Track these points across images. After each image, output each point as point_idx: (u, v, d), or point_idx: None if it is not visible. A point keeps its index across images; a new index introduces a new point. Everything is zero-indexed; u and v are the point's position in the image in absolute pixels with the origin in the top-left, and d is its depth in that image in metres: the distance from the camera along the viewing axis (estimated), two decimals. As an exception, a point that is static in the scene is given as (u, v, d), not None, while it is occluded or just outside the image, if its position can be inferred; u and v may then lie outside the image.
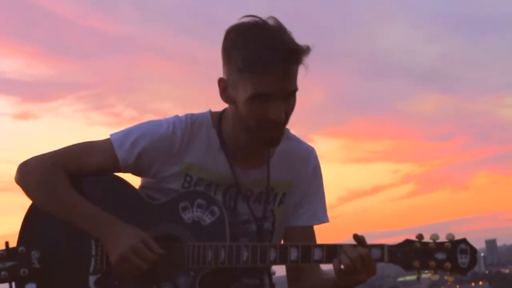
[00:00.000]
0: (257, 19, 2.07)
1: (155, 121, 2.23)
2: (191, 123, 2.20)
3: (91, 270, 2.17)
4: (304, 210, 2.28)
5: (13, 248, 2.21)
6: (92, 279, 2.17)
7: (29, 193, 2.24)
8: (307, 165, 2.28)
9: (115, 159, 2.19)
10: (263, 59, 1.98)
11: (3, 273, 2.19)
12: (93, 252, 2.18)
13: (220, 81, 2.12)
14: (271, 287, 2.34)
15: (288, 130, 2.27)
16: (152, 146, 2.18)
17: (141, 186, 2.30)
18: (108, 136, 2.23)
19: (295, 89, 2.07)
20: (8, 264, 2.20)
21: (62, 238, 2.23)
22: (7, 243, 2.22)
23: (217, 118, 2.22)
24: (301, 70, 2.07)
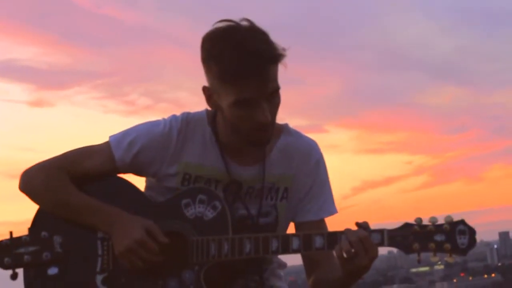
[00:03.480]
0: (231, 23, 2.08)
1: (152, 122, 2.27)
2: (187, 122, 2.23)
3: (98, 269, 2.21)
4: (312, 204, 2.30)
5: (36, 233, 2.25)
6: (99, 277, 2.20)
7: (34, 199, 2.27)
8: (308, 159, 2.29)
9: (113, 159, 2.23)
10: (239, 68, 2.00)
11: (26, 257, 2.23)
12: (100, 252, 2.22)
13: (205, 89, 2.15)
14: (275, 277, 2.37)
15: (287, 125, 2.30)
16: (149, 145, 2.21)
17: (146, 187, 2.33)
18: (108, 139, 2.27)
19: (276, 89, 2.08)
20: (31, 248, 2.24)
21: (77, 228, 2.25)
22: (29, 229, 2.26)
23: (212, 116, 2.24)
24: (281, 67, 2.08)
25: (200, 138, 2.23)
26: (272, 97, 2.08)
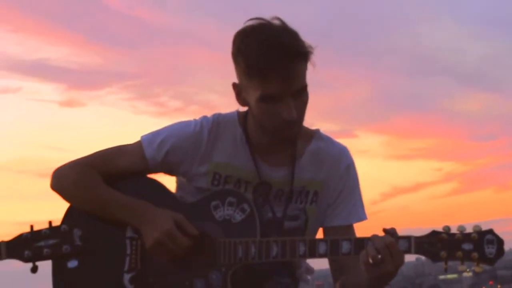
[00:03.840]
0: (262, 21, 2.12)
1: (183, 122, 2.29)
2: (218, 122, 2.26)
3: (125, 268, 2.22)
4: (340, 210, 2.29)
5: (56, 227, 2.27)
6: (127, 277, 2.22)
7: (65, 196, 2.30)
8: (339, 164, 2.29)
9: (144, 158, 2.26)
10: (265, 62, 2.03)
11: (46, 250, 2.25)
12: (128, 251, 2.23)
13: (234, 85, 2.18)
14: (303, 281, 2.37)
15: (318, 130, 2.32)
16: (180, 145, 2.24)
17: (177, 187, 2.36)
18: (139, 139, 2.30)
19: (303, 86, 2.10)
20: (51, 241, 2.26)
21: (101, 224, 2.27)
22: (50, 222, 2.28)
23: (243, 117, 2.27)
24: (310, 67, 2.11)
25: (231, 138, 2.25)
26: (299, 95, 2.10)
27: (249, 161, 2.24)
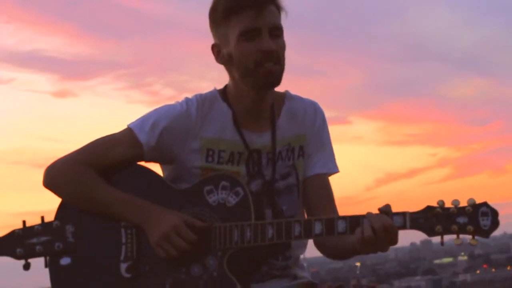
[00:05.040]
0: None
1: (168, 105, 2.32)
2: (202, 100, 2.29)
3: (122, 257, 2.22)
4: (318, 158, 2.37)
5: (48, 223, 2.25)
6: (123, 266, 2.21)
7: (60, 194, 2.29)
8: (315, 118, 2.38)
9: (138, 144, 2.25)
10: (238, 1, 2.19)
11: (38, 247, 2.24)
12: (123, 240, 2.23)
13: (213, 46, 2.30)
14: (298, 267, 2.38)
15: (287, 91, 2.39)
16: (172, 125, 2.25)
17: (170, 180, 2.33)
18: (126, 127, 2.29)
19: (279, 26, 2.23)
20: (43, 238, 2.24)
21: (94, 218, 2.27)
22: (42, 218, 2.27)
23: (222, 92, 2.32)
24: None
25: (217, 113, 2.29)
26: (276, 34, 2.22)
27: (236, 133, 2.27)
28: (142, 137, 2.25)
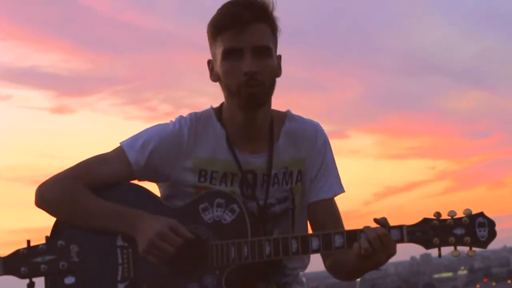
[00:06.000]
0: None
1: (161, 124, 2.30)
2: (196, 119, 2.27)
3: (119, 278, 2.21)
4: (322, 184, 2.32)
5: (53, 242, 2.25)
6: (120, 286, 2.20)
7: (51, 212, 2.28)
8: (316, 140, 2.32)
9: (128, 163, 2.24)
10: (224, 17, 2.15)
11: (42, 266, 2.23)
12: (120, 261, 2.22)
13: (208, 62, 2.27)
14: (298, 283, 2.37)
15: (289, 111, 2.35)
16: (162, 145, 2.23)
17: (162, 194, 2.33)
18: (119, 144, 2.28)
19: (264, 46, 2.16)
20: (48, 258, 2.24)
21: (94, 237, 2.26)
22: (47, 237, 2.27)
23: (218, 111, 2.29)
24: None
25: (211, 132, 2.26)
26: (261, 53, 2.15)
27: (230, 153, 2.24)
28: (132, 156, 2.24)
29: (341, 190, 2.35)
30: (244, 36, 2.13)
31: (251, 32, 2.14)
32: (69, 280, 2.25)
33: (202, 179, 2.24)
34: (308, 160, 2.31)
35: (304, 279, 2.43)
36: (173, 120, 2.29)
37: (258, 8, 2.16)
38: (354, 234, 2.06)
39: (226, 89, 2.20)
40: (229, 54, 2.15)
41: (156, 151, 2.23)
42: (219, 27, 2.16)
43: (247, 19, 2.13)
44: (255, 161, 2.26)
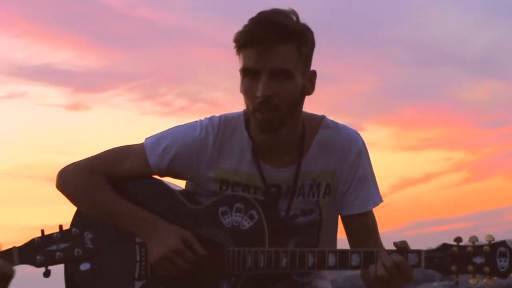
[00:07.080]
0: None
1: (189, 125, 2.23)
2: (224, 125, 2.20)
3: (136, 275, 2.22)
4: (354, 197, 2.22)
5: (67, 230, 2.26)
6: (138, 284, 2.21)
7: (71, 199, 2.29)
8: (349, 152, 2.20)
9: (148, 165, 2.22)
10: (246, 34, 2.05)
11: (58, 254, 2.24)
12: (138, 258, 2.23)
13: (240, 71, 2.16)
14: (320, 278, 2.34)
15: (325, 117, 2.24)
16: (185, 151, 2.20)
17: (186, 189, 2.33)
18: (143, 140, 2.26)
19: (283, 69, 2.05)
20: (63, 245, 2.24)
21: (111, 227, 2.26)
22: (60, 226, 2.28)
23: (247, 119, 2.20)
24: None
25: (237, 142, 2.20)
26: (278, 76, 2.05)
27: (254, 166, 2.19)
28: (152, 159, 2.22)
29: (375, 203, 2.24)
30: (263, 57, 2.03)
31: (272, 54, 2.03)
32: (85, 266, 2.27)
33: (224, 187, 2.21)
34: (339, 173, 2.21)
35: (325, 273, 2.39)
36: (203, 120, 2.23)
37: (282, 28, 2.04)
38: (371, 255, 2.04)
39: (246, 107, 2.14)
40: (247, 73, 2.08)
41: (177, 159, 2.20)
42: (240, 43, 2.07)
43: (269, 40, 2.03)
44: (281, 175, 2.19)
